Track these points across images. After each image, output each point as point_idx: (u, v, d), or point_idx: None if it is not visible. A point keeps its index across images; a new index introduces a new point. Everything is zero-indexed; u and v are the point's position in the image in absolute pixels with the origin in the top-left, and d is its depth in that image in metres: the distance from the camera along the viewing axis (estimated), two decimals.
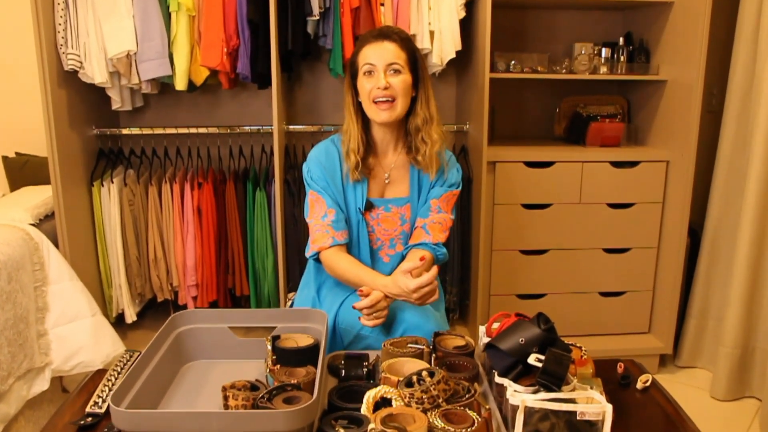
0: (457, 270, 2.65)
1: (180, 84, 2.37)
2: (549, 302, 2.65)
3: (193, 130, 2.61)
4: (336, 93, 2.80)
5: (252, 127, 2.64)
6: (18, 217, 2.21)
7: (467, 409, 1.06)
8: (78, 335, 2.14)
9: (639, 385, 1.36)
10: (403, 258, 1.69)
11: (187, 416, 1.03)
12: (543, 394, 1.04)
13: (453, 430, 1.00)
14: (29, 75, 2.35)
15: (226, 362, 1.40)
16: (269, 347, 1.29)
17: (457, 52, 2.42)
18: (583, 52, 2.64)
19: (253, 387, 1.16)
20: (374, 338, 1.56)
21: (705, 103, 2.51)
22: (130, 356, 1.41)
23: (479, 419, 1.03)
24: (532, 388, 1.06)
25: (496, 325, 1.30)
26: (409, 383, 1.09)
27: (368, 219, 1.69)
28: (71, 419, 1.20)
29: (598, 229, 2.59)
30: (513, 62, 2.58)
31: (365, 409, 1.07)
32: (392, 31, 1.63)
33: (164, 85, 2.57)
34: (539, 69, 2.63)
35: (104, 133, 2.60)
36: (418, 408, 1.05)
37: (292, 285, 2.47)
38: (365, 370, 1.28)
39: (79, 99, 2.42)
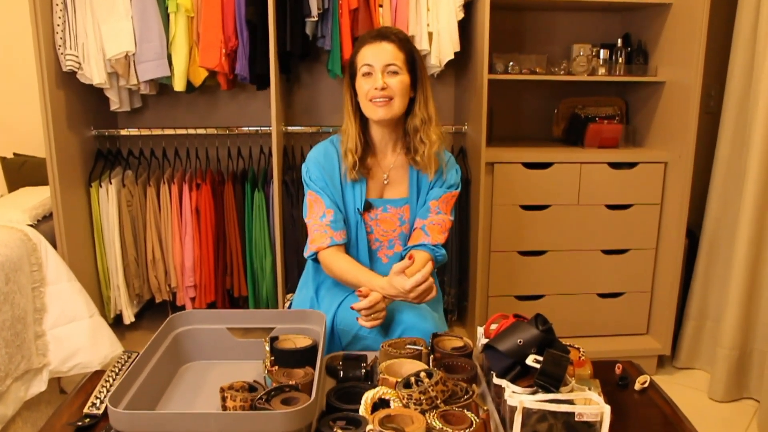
0: (456, 271, 2.65)
1: (178, 85, 2.37)
2: (547, 303, 2.65)
3: (191, 131, 2.61)
4: (334, 94, 2.81)
5: (250, 128, 2.64)
6: (16, 218, 2.21)
7: (465, 410, 1.06)
8: (76, 336, 2.14)
9: (637, 386, 1.36)
10: (401, 259, 1.69)
11: (185, 417, 1.03)
12: (541, 395, 1.04)
13: (451, 431, 1.00)
14: (28, 76, 2.35)
15: (224, 363, 1.40)
16: (267, 348, 1.29)
17: (456, 54, 2.42)
18: (581, 53, 2.65)
19: (251, 388, 1.16)
20: (372, 339, 1.55)
21: (703, 104, 2.51)
22: (128, 357, 1.41)
23: (477, 420, 1.03)
24: (530, 389, 1.06)
25: (494, 326, 1.30)
26: (407, 384, 1.09)
27: (367, 219, 1.69)
28: (69, 420, 1.20)
29: (597, 230, 2.60)
30: (511, 63, 2.58)
31: (363, 410, 1.07)
32: (391, 32, 1.63)
33: (163, 86, 2.57)
34: (537, 70, 2.63)
35: (102, 134, 2.59)
36: (416, 409, 1.05)
37: (291, 286, 2.47)
38: (363, 371, 1.28)
39: (78, 100, 2.42)
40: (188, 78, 2.39)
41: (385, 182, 1.72)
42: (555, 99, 2.90)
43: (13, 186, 2.78)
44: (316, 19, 2.33)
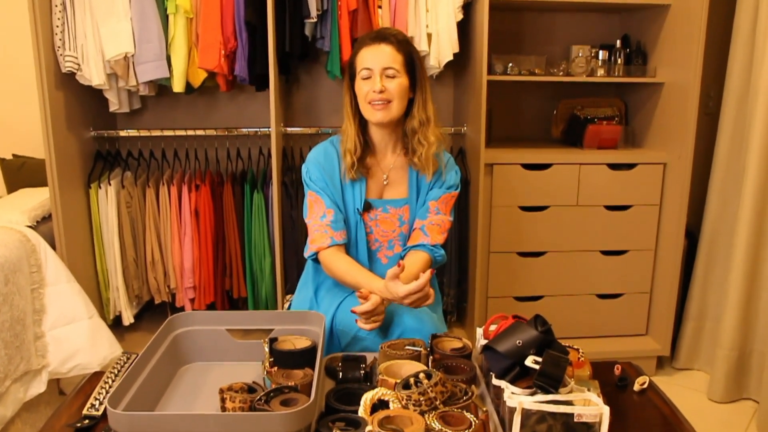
0: (455, 272, 2.65)
1: (177, 86, 2.37)
2: (546, 304, 2.65)
3: (190, 132, 2.61)
4: (334, 95, 2.81)
5: (250, 129, 2.64)
6: (15, 219, 2.21)
7: (464, 411, 1.06)
8: (75, 337, 2.14)
9: (636, 387, 1.36)
10: (402, 259, 1.69)
11: (184, 418, 1.03)
12: (540, 396, 1.04)
13: None
14: (27, 77, 2.35)
15: (223, 364, 1.40)
16: (267, 349, 1.29)
17: (455, 55, 2.42)
18: (580, 54, 2.65)
19: (251, 389, 1.16)
20: (371, 340, 1.55)
21: (702, 105, 2.52)
22: (128, 358, 1.41)
23: (476, 421, 1.03)
24: (529, 390, 1.06)
25: (493, 327, 1.30)
26: (406, 385, 1.09)
27: (366, 220, 1.69)
28: (68, 421, 1.20)
29: (596, 231, 2.60)
30: (510, 65, 2.59)
31: (362, 411, 1.07)
32: (390, 33, 1.63)
33: (162, 87, 2.57)
34: (536, 71, 2.64)
35: (102, 135, 2.59)
36: (415, 410, 1.05)
37: (290, 287, 2.47)
38: (362, 372, 1.28)
39: (77, 101, 2.42)
40: (187, 79, 2.39)
41: (385, 183, 1.72)
42: (554, 100, 2.90)
43: (12, 187, 2.78)
44: (315, 20, 2.33)
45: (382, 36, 1.62)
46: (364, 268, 1.64)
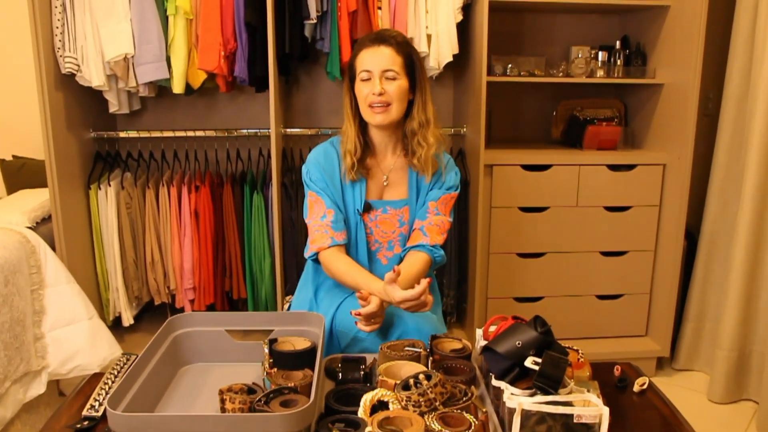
0: (455, 273, 2.65)
1: (177, 87, 2.37)
2: (546, 305, 2.65)
3: (190, 134, 2.61)
4: (333, 96, 2.81)
5: (249, 131, 2.64)
6: (15, 220, 2.21)
7: (464, 412, 1.06)
8: (75, 338, 2.14)
9: (636, 388, 1.36)
10: (401, 260, 1.69)
11: (184, 419, 1.03)
12: (540, 397, 1.04)
13: None
14: (26, 78, 2.35)
15: (223, 365, 1.40)
16: (266, 350, 1.29)
17: (455, 56, 2.42)
18: (579, 55, 2.65)
19: (250, 390, 1.16)
20: (371, 341, 1.55)
21: (701, 106, 2.52)
22: (127, 359, 1.40)
23: (476, 422, 1.03)
24: (529, 391, 1.06)
25: (493, 328, 1.30)
26: (406, 386, 1.09)
27: (366, 221, 1.69)
28: (68, 423, 1.20)
29: (595, 232, 2.60)
30: (510, 66, 2.59)
31: (362, 412, 1.07)
32: (389, 35, 1.63)
33: (161, 89, 2.57)
34: (536, 72, 2.64)
35: (101, 136, 2.60)
36: (415, 411, 1.05)
37: (290, 288, 2.47)
38: (362, 373, 1.28)
39: (77, 102, 2.42)
40: (187, 80, 2.39)
41: (385, 184, 1.72)
42: (554, 101, 2.90)
43: (12, 188, 2.78)
44: (314, 21, 2.33)
45: (382, 38, 1.62)
46: (364, 268, 1.64)
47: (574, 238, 2.60)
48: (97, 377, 1.37)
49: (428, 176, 1.69)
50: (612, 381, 1.39)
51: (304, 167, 1.72)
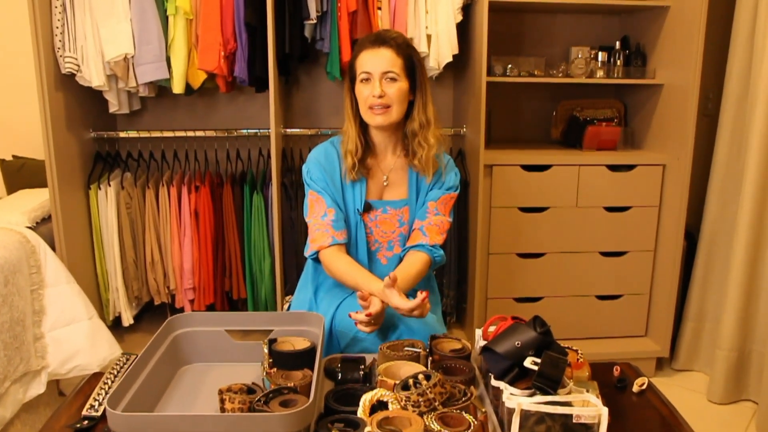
0: (454, 273, 2.65)
1: (177, 87, 2.37)
2: (546, 305, 2.65)
3: (190, 134, 2.61)
4: (333, 96, 2.81)
5: (249, 131, 2.64)
6: (15, 220, 2.21)
7: (463, 413, 1.06)
8: (75, 338, 2.14)
9: (635, 388, 1.36)
10: (400, 260, 1.70)
11: (183, 419, 1.03)
12: (539, 398, 1.04)
13: None
14: (26, 78, 2.35)
15: (222, 365, 1.40)
16: (266, 350, 1.29)
17: (454, 56, 2.42)
18: (579, 55, 2.65)
19: (250, 390, 1.16)
20: (371, 341, 1.55)
21: (701, 106, 2.52)
22: (127, 359, 1.41)
23: (475, 422, 1.03)
24: (528, 392, 1.06)
25: (492, 329, 1.30)
26: (405, 386, 1.09)
27: (366, 221, 1.70)
28: (68, 422, 1.20)
29: (595, 232, 2.60)
30: (510, 66, 2.59)
31: (362, 412, 1.07)
32: (389, 37, 1.63)
33: (161, 89, 2.57)
34: (536, 73, 2.64)
35: (101, 136, 2.60)
36: (414, 411, 1.05)
37: (290, 288, 2.47)
38: (362, 373, 1.29)
39: (77, 102, 2.42)
40: (187, 80, 2.40)
41: (385, 184, 1.72)
42: (553, 101, 2.90)
43: (12, 188, 2.78)
44: (314, 21, 2.33)
45: (382, 39, 1.62)
46: (364, 268, 1.64)
47: (573, 239, 2.60)
48: (96, 377, 1.37)
49: (429, 176, 1.69)
50: (611, 381, 1.39)
51: (304, 167, 1.72)
